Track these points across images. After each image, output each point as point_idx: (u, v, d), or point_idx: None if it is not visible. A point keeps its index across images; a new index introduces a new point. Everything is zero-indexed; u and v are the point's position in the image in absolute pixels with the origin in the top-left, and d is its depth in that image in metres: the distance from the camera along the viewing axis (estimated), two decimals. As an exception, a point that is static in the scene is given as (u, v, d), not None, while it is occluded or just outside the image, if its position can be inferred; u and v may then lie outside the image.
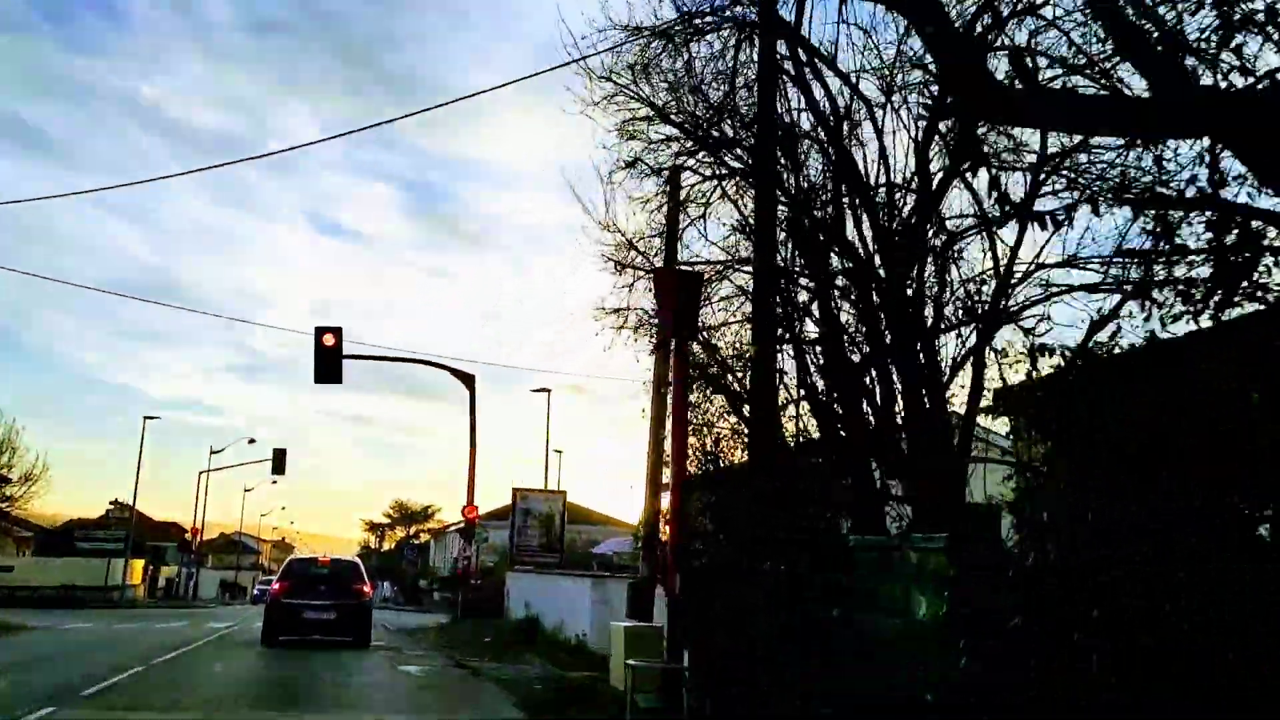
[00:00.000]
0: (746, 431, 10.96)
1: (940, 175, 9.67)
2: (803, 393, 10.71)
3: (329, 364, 26.59)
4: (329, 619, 18.76)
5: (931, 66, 8.38)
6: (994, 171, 7.76)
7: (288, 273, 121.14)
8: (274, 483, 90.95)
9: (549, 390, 36.43)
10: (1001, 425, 8.84)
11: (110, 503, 43.91)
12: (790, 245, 10.96)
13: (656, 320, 12.07)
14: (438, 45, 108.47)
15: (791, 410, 10.86)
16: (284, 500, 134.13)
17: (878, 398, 9.90)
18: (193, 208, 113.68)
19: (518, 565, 28.17)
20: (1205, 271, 5.02)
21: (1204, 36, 4.74)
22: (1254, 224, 4.72)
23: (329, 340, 26.60)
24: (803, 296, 11.25)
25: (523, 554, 28.30)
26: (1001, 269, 9.35)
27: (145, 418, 48.50)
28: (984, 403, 9.06)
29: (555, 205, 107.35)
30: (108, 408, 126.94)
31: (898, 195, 10.29)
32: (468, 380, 29.20)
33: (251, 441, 63.34)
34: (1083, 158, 8.65)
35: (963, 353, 9.56)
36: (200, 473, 59.15)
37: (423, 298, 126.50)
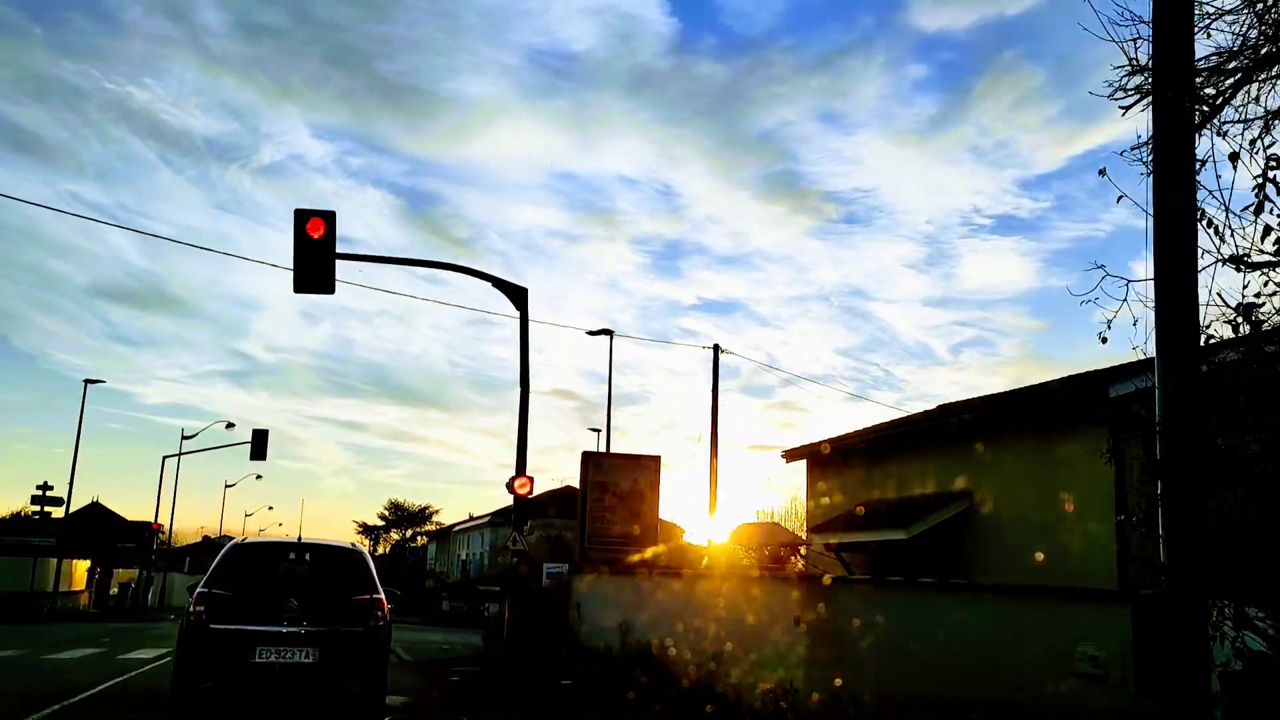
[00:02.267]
0: None
1: None
2: None
3: (315, 263, 17.51)
4: (305, 664, 9.57)
5: None
6: None
7: (279, 278, 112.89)
8: (258, 477, 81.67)
9: (611, 332, 27.26)
10: None
11: (37, 487, 34.37)
12: None
13: None
14: (431, 51, 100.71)
15: None
16: (272, 502, 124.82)
17: None
18: (185, 213, 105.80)
19: (592, 565, 19.01)
20: None
21: None
22: None
23: (316, 230, 17.52)
24: None
25: (600, 547, 19.13)
26: None
27: (86, 381, 39.14)
28: None
29: (546, 211, 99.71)
30: (96, 413, 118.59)
31: None
32: (519, 296, 20.00)
33: (229, 426, 54.71)
34: None
35: None
36: (165, 457, 49.84)
37: (415, 304, 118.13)
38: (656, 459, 19.93)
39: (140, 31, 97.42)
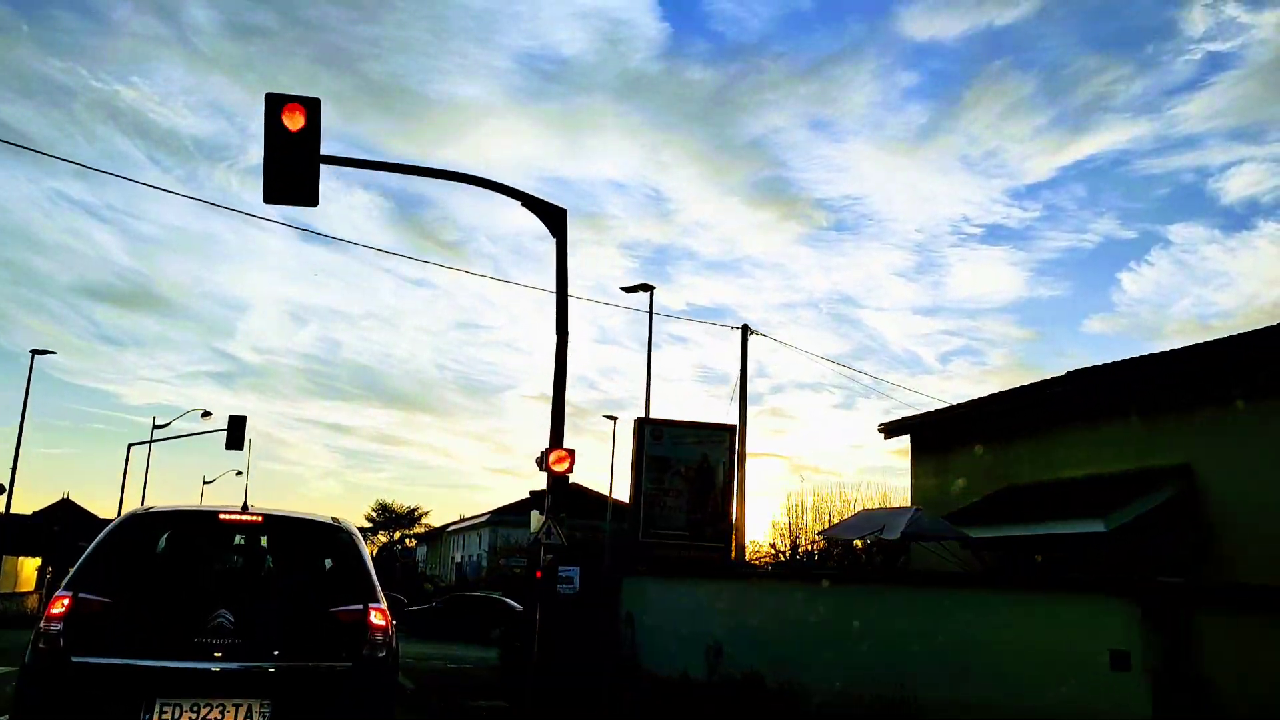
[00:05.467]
0: None
1: None
2: None
3: (292, 164, 12.96)
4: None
5: None
6: None
7: (267, 279, 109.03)
8: (239, 473, 77.11)
9: (651, 288, 22.89)
10: None
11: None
12: None
13: None
14: (420, 53, 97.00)
15: None
16: (253, 500, 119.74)
17: None
18: (171, 212, 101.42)
19: (649, 558, 14.62)
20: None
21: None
22: None
23: (293, 119, 13.00)
24: None
25: (661, 540, 14.74)
26: None
27: (33, 351, 34.57)
28: None
29: (533, 215, 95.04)
30: (79, 413, 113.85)
31: None
32: (555, 218, 15.50)
33: (206, 415, 50.26)
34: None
35: None
36: (131, 445, 45.24)
37: (403, 306, 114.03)
38: (731, 428, 15.55)
39: (129, 30, 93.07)
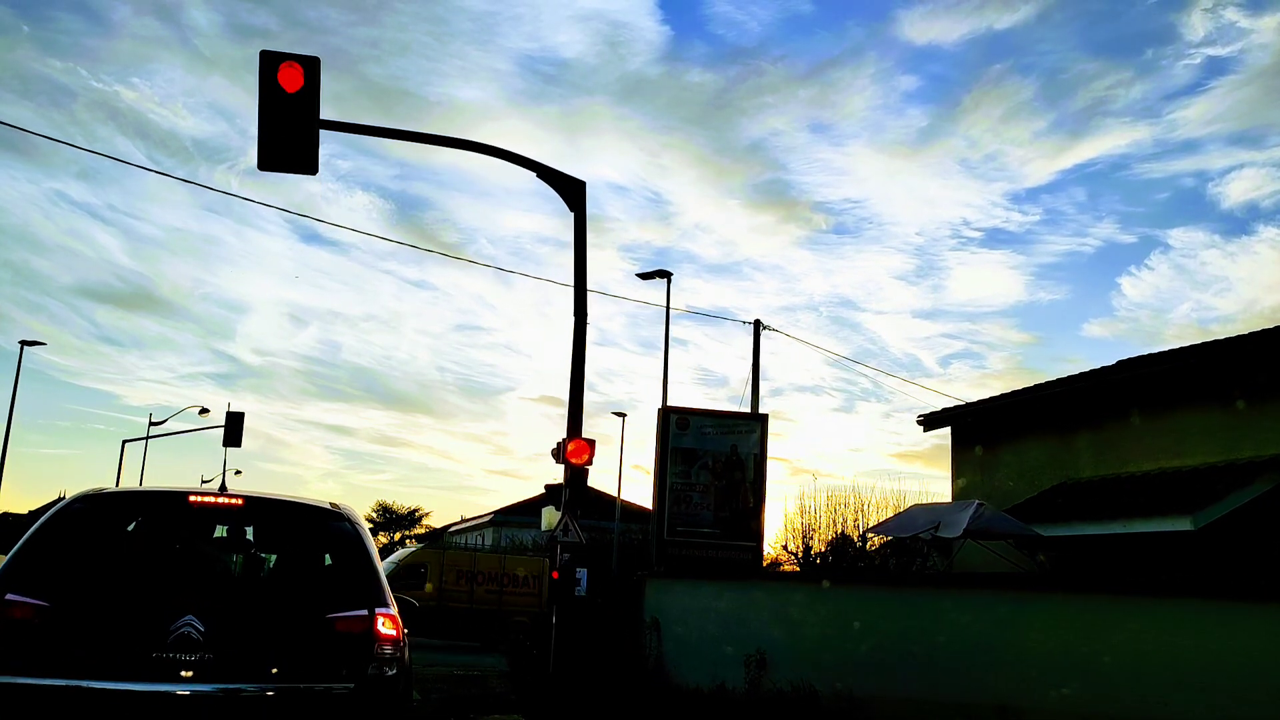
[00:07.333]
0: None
1: None
2: None
3: (290, 128, 11.90)
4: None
5: None
6: None
7: (267, 281, 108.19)
8: (238, 472, 76.01)
9: (669, 274, 21.74)
10: None
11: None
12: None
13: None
14: (420, 55, 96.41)
15: None
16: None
17: None
18: (172, 214, 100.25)
19: (669, 563, 13.44)
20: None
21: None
22: None
23: (291, 81, 11.93)
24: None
25: (688, 539, 13.56)
26: None
27: (21, 343, 33.41)
28: None
29: (533, 217, 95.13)
30: (80, 414, 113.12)
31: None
32: (573, 191, 14.34)
33: (203, 411, 49.28)
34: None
35: None
36: (125, 441, 44.06)
37: (403, 308, 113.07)
38: (762, 418, 14.40)
39: (129, 31, 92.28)
